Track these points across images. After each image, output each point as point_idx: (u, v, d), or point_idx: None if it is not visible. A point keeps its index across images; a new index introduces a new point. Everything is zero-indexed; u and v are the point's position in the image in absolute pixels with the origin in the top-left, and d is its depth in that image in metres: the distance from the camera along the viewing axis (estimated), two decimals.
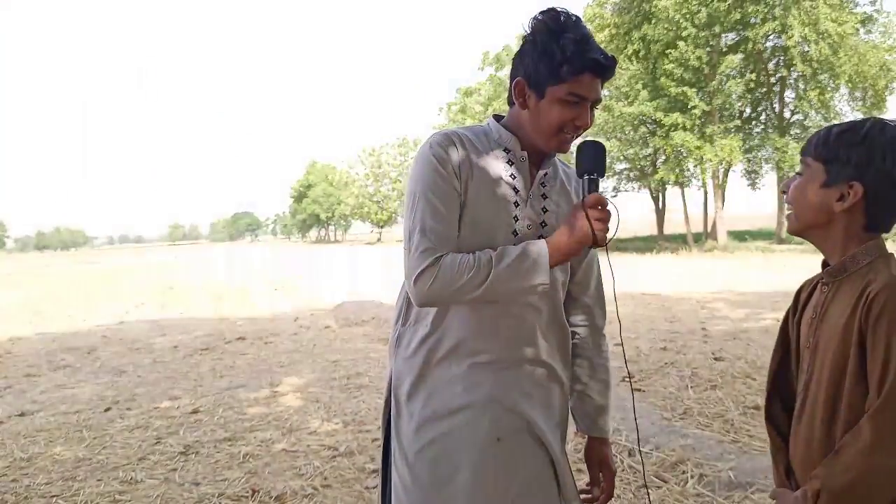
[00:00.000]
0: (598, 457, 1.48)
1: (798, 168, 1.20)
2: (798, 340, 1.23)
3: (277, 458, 3.37)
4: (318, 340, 7.21)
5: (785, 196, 1.20)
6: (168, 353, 6.75)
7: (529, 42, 1.25)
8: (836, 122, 1.13)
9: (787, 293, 1.34)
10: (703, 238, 26.05)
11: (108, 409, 4.47)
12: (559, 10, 1.24)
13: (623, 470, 2.98)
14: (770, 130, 25.26)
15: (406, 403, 1.34)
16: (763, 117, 26.92)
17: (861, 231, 1.10)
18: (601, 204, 1.20)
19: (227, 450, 3.51)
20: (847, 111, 24.38)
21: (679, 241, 25.89)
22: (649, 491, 2.75)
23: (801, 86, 23.95)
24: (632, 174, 32.51)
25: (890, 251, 1.12)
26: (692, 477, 2.86)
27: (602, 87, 1.26)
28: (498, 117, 1.39)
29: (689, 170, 25.80)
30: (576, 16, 1.23)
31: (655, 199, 31.85)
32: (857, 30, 22.07)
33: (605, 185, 34.72)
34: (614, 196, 35.38)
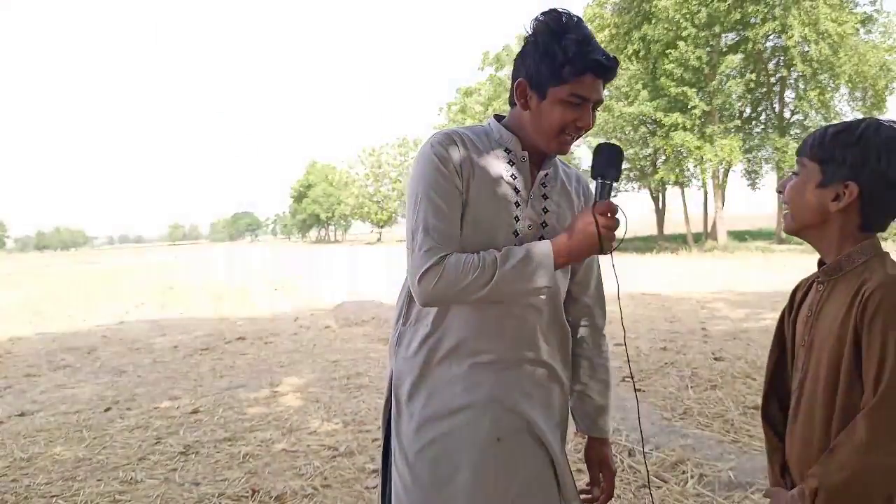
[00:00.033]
0: (598, 457, 1.48)
1: (796, 168, 1.21)
2: (794, 339, 1.24)
3: (277, 458, 3.37)
4: (318, 340, 7.21)
5: (781, 196, 1.21)
6: (168, 353, 6.75)
7: (531, 43, 1.25)
8: (836, 122, 1.14)
9: (787, 293, 1.34)
10: (703, 238, 26.05)
11: (108, 409, 4.47)
12: (561, 10, 1.24)
13: (623, 470, 2.98)
14: (770, 130, 25.27)
15: (406, 403, 1.34)
16: (763, 117, 26.93)
17: (856, 231, 1.11)
18: (611, 211, 1.19)
19: (227, 450, 3.51)
20: (847, 111, 24.40)
21: (679, 241, 25.89)
22: (650, 491, 2.75)
23: (801, 86, 23.96)
24: (632, 174, 32.51)
25: (886, 250, 1.13)
26: (692, 477, 2.86)
27: (604, 88, 1.26)
28: (499, 117, 1.39)
29: (689, 170, 25.81)
30: (577, 17, 1.23)
31: (655, 199, 31.86)
32: (857, 30, 22.08)
33: None
34: (614, 196, 35.36)
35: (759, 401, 1.34)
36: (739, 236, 27.61)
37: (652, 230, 31.92)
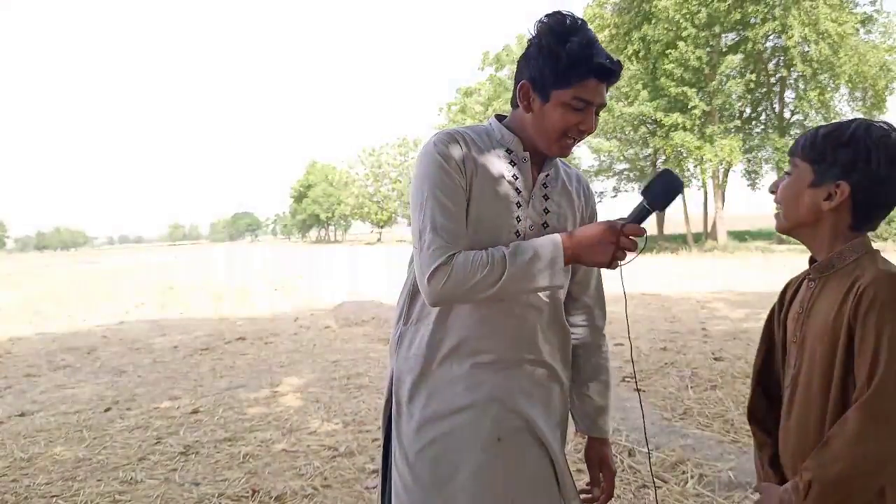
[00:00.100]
0: (598, 457, 1.49)
1: (788, 168, 1.22)
2: (784, 337, 1.26)
3: (277, 458, 3.37)
4: (318, 340, 7.21)
5: (774, 196, 1.23)
6: (168, 353, 6.75)
7: (535, 45, 1.24)
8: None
9: None
10: (703, 238, 26.05)
11: (108, 409, 4.47)
12: (565, 13, 1.23)
13: (623, 470, 2.98)
14: (770, 130, 25.28)
15: (407, 403, 1.34)
16: (763, 117, 26.94)
17: (847, 230, 1.13)
18: (636, 235, 1.18)
19: (227, 450, 3.51)
20: (847, 111, 24.42)
21: (679, 241, 25.89)
22: (651, 491, 2.75)
23: (801, 86, 23.97)
24: (632, 174, 32.53)
25: (876, 248, 1.15)
26: (692, 477, 2.86)
27: (607, 91, 1.25)
28: (500, 117, 1.39)
29: (689, 170, 25.81)
30: (581, 19, 1.23)
31: None
32: (857, 30, 22.09)
33: (606, 185, 34.81)
34: (614, 196, 35.49)
35: None
36: (739, 236, 27.61)
37: (652, 230, 31.92)
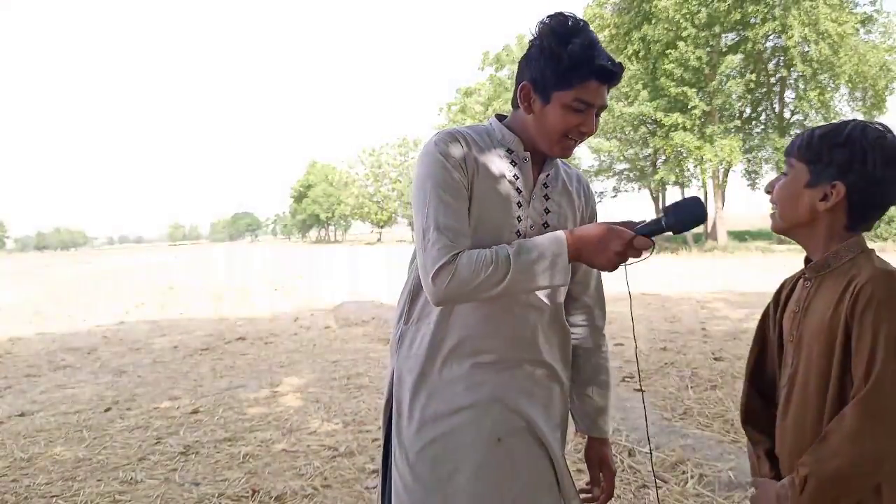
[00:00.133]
0: (598, 457, 1.49)
1: (784, 169, 1.23)
2: (780, 336, 1.27)
3: (277, 458, 3.37)
4: (318, 340, 7.22)
5: (770, 196, 1.24)
6: (168, 354, 6.75)
7: (536, 46, 1.24)
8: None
9: None
10: (702, 238, 26.05)
11: (108, 409, 4.47)
12: (567, 14, 1.23)
13: (623, 470, 2.98)
14: (770, 130, 25.29)
15: (407, 403, 1.34)
16: (763, 117, 26.95)
17: (843, 230, 1.15)
18: (644, 248, 1.17)
19: (227, 450, 3.51)
20: (847, 111, 24.43)
21: (679, 241, 25.89)
22: (651, 491, 2.75)
23: (801, 86, 23.98)
24: (632, 174, 32.52)
25: (871, 247, 1.15)
26: (692, 477, 2.86)
27: (608, 93, 1.25)
28: (500, 117, 1.39)
29: (689, 170, 25.84)
30: (583, 21, 1.22)
31: (655, 200, 31.88)
32: (857, 30, 22.10)
33: (606, 185, 34.81)
34: (614, 196, 35.48)
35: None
36: (739, 236, 27.63)
37: None
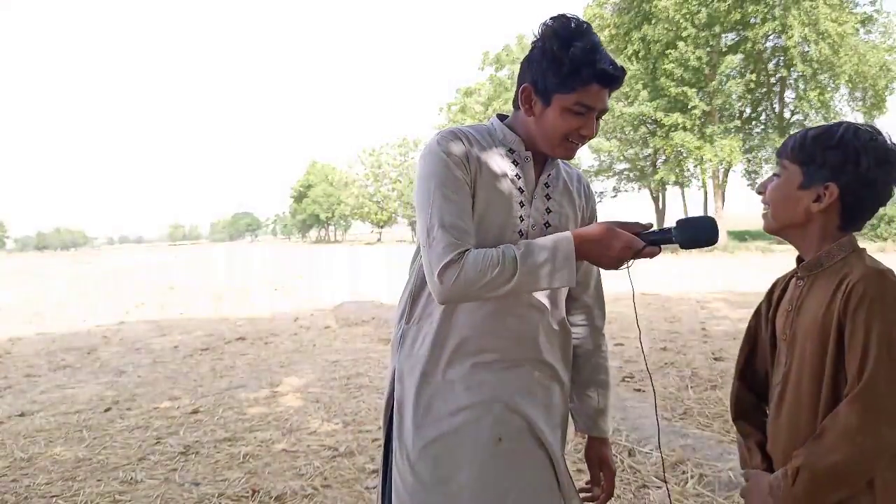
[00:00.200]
0: (598, 456, 1.49)
1: (777, 170, 1.24)
2: (773, 335, 1.28)
3: (277, 458, 3.37)
4: (318, 340, 7.22)
5: (762, 196, 1.24)
6: (168, 353, 6.75)
7: (538, 49, 1.23)
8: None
9: None
10: None
11: (108, 409, 4.47)
12: (570, 16, 1.22)
13: (623, 470, 2.98)
14: (770, 130, 25.30)
15: (408, 402, 1.34)
16: (763, 117, 26.96)
17: (836, 230, 1.16)
18: (650, 256, 1.19)
19: (227, 450, 3.51)
20: (847, 111, 24.46)
21: None
22: (651, 491, 2.75)
23: (801, 86, 23.99)
24: (632, 174, 32.52)
25: (863, 247, 1.17)
26: (692, 477, 2.86)
27: (609, 97, 1.25)
28: (501, 116, 1.39)
29: (689, 170, 25.85)
30: (587, 23, 1.22)
31: (655, 200, 31.88)
32: (857, 30, 22.12)
33: (606, 185, 34.81)
34: (614, 196, 35.48)
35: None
36: (739, 236, 27.63)
37: None
